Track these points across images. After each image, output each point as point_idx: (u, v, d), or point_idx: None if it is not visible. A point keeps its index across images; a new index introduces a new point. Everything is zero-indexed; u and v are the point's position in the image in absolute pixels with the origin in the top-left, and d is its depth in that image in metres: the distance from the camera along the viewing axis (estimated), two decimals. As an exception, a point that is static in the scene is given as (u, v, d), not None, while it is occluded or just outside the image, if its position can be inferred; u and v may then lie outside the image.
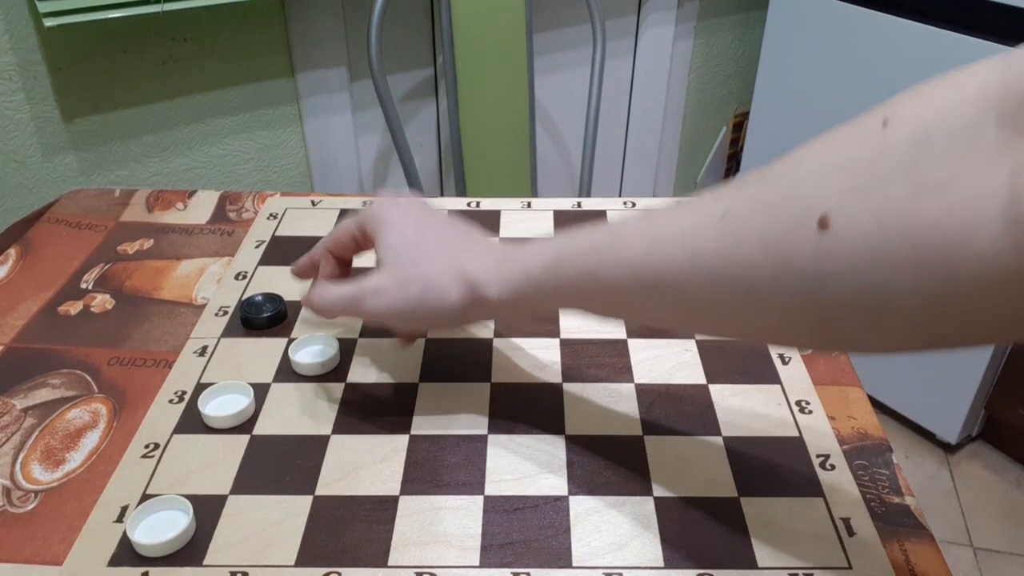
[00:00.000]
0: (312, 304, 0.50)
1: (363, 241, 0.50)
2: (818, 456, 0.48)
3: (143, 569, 0.41)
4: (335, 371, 0.54)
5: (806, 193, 0.32)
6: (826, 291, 0.31)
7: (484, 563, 0.41)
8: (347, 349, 0.56)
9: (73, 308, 0.61)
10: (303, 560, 0.41)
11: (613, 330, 0.58)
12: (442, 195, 1.69)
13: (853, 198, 0.30)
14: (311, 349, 0.55)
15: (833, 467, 0.47)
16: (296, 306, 0.60)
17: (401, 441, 0.49)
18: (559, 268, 0.42)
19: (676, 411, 0.51)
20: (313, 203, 0.73)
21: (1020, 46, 0.30)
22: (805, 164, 0.34)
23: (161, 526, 0.43)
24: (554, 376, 0.54)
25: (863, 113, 0.33)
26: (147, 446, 0.48)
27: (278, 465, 0.47)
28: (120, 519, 0.43)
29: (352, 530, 0.43)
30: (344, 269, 0.53)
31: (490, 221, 0.70)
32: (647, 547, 0.42)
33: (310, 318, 0.58)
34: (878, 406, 1.61)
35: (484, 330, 0.58)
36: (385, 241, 0.47)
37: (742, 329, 0.37)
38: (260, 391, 0.52)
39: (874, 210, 0.30)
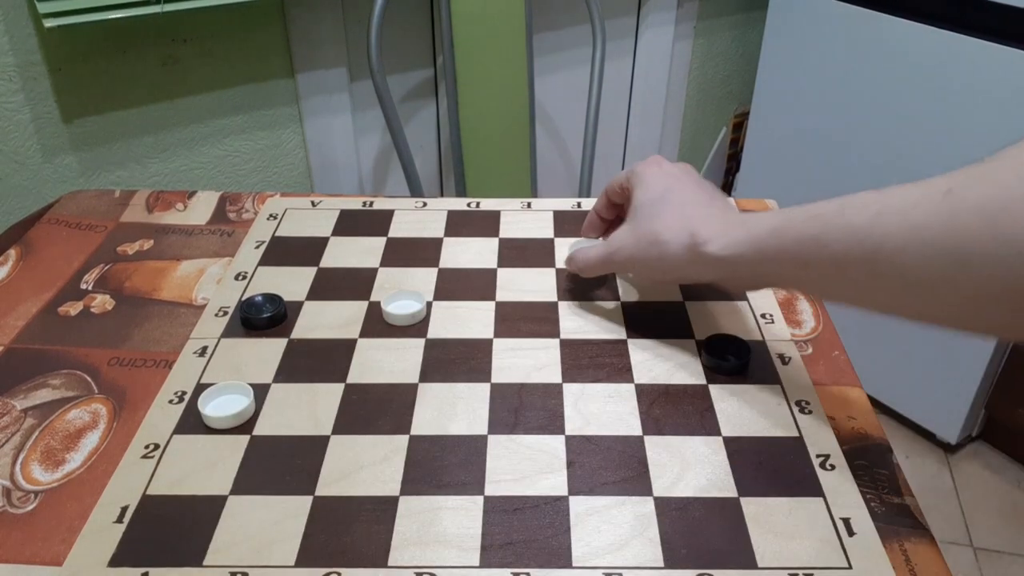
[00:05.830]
0: (575, 263, 0.59)
1: (625, 191, 0.57)
2: (818, 456, 0.48)
3: (143, 569, 0.41)
4: (335, 372, 0.54)
5: None
6: None
7: (484, 563, 0.41)
8: (347, 350, 0.56)
9: (73, 309, 0.61)
10: (303, 560, 0.41)
11: (613, 330, 0.58)
12: (442, 195, 1.69)
13: None
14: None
15: (833, 467, 0.47)
16: (295, 307, 0.60)
17: (401, 441, 0.49)
18: (784, 231, 0.44)
19: (676, 411, 0.51)
20: (313, 204, 0.73)
21: None
22: None
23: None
24: (554, 376, 0.54)
25: None
26: (147, 446, 0.48)
27: (278, 465, 0.47)
28: (120, 519, 0.43)
29: (352, 530, 0.43)
30: (612, 209, 0.61)
31: (490, 222, 0.70)
32: (647, 547, 0.42)
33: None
34: (878, 406, 1.61)
35: (484, 329, 0.58)
36: (635, 196, 0.55)
37: (952, 307, 0.38)
38: (260, 391, 0.52)
39: None
